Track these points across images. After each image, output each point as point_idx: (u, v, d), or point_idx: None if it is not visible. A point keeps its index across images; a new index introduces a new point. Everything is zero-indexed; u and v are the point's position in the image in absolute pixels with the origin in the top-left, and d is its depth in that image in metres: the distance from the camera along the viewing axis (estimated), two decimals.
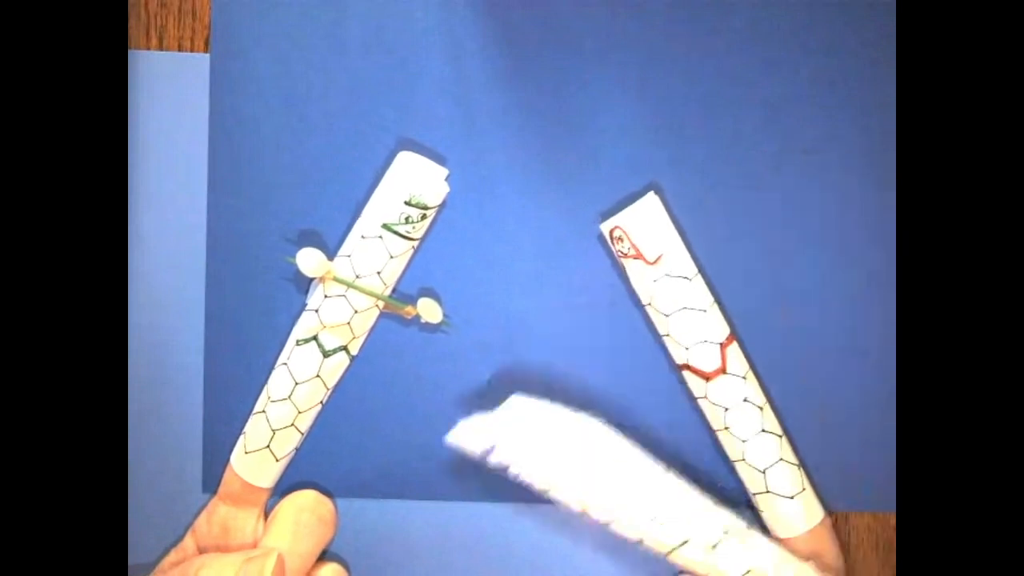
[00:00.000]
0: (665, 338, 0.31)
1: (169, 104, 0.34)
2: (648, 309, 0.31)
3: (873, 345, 0.34)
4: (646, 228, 0.30)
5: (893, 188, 0.34)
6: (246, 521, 0.31)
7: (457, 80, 0.34)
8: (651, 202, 0.30)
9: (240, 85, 0.34)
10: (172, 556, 0.31)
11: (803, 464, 0.31)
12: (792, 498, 0.30)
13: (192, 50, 0.34)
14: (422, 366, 0.34)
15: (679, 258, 0.30)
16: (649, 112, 0.34)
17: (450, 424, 0.34)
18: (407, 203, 0.30)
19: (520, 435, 0.28)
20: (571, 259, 0.34)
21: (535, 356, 0.34)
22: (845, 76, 0.34)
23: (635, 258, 0.30)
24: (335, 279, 0.31)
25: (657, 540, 0.28)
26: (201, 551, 0.31)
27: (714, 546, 0.27)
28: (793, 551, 0.30)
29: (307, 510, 0.31)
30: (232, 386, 0.33)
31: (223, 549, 0.31)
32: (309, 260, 0.30)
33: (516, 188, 0.34)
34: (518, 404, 0.28)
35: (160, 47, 0.34)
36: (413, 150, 0.32)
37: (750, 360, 0.32)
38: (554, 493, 0.27)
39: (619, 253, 0.31)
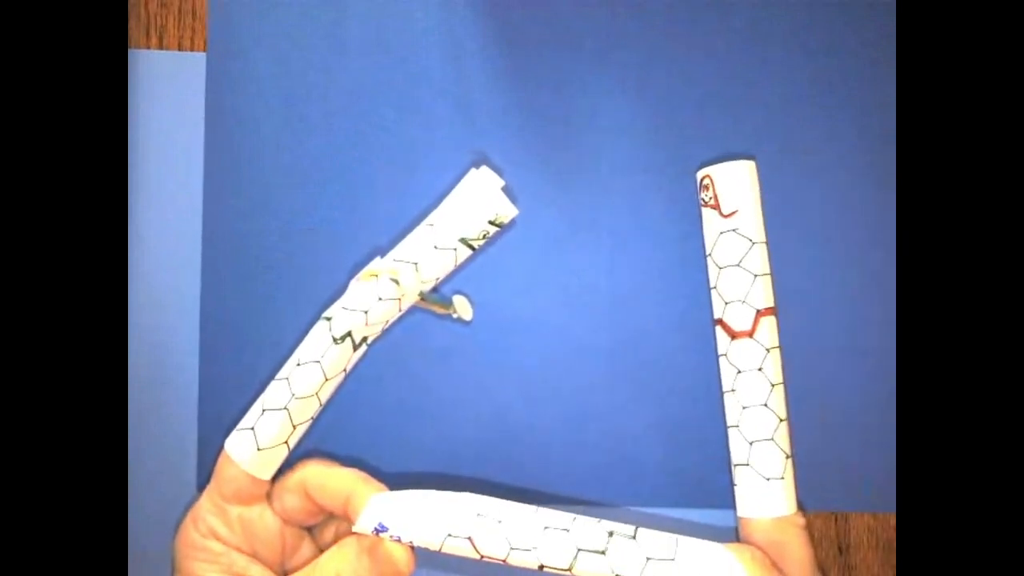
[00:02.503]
0: (712, 290, 0.32)
1: (169, 104, 0.34)
2: (708, 259, 0.32)
3: (873, 345, 0.34)
4: (730, 183, 0.31)
5: (893, 188, 0.34)
6: (263, 513, 0.30)
7: (457, 80, 0.34)
8: (744, 165, 0.31)
9: (239, 85, 0.34)
10: (213, 568, 0.29)
11: (793, 459, 0.31)
12: (768, 480, 0.30)
13: (192, 49, 0.34)
14: (417, 364, 0.34)
15: (750, 221, 0.31)
16: (649, 112, 0.34)
17: (447, 422, 0.34)
18: (491, 222, 0.31)
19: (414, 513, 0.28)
20: (570, 259, 0.34)
21: (533, 355, 0.34)
22: (845, 76, 0.34)
23: (712, 207, 0.31)
24: (424, 298, 0.32)
25: (553, 563, 0.28)
26: (239, 552, 0.30)
27: (603, 551, 0.28)
28: (751, 534, 0.30)
29: (325, 462, 0.31)
30: (228, 387, 0.33)
31: (253, 545, 0.30)
32: (411, 276, 0.31)
33: (515, 188, 0.34)
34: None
35: (160, 47, 0.34)
36: (484, 164, 0.32)
37: (782, 343, 0.32)
38: (447, 548, 0.28)
39: (701, 200, 0.32)
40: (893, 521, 0.34)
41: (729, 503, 0.33)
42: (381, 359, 0.34)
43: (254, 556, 0.30)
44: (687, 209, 0.34)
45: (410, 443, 0.34)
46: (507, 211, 0.32)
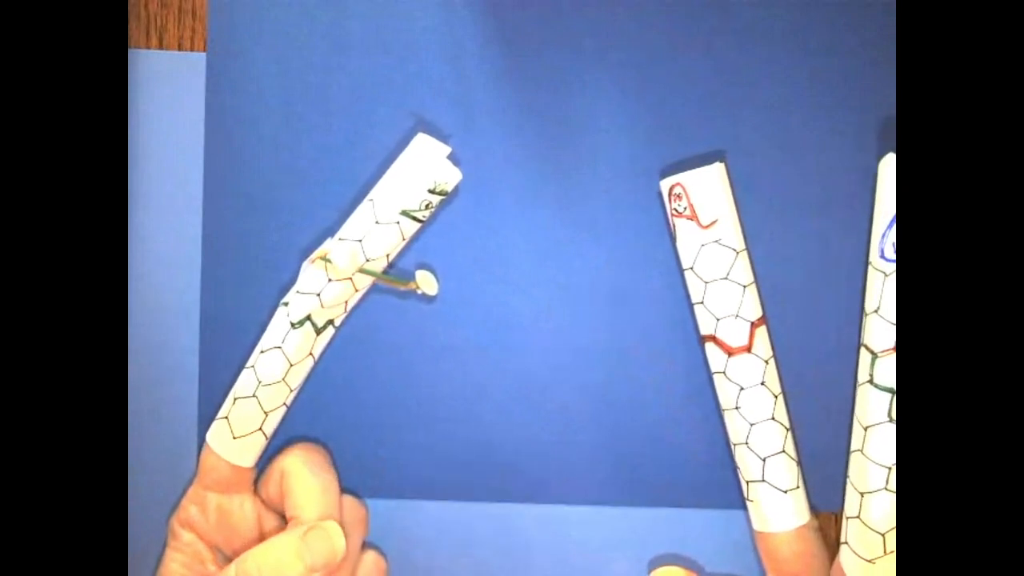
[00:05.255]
0: (697, 306, 0.31)
1: (169, 104, 0.34)
2: (688, 273, 0.31)
3: None
4: (706, 191, 0.30)
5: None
6: (243, 503, 0.31)
7: (457, 80, 0.34)
8: (716, 169, 0.30)
9: (239, 85, 0.34)
10: (178, 557, 0.31)
11: (800, 463, 0.31)
12: (786, 492, 0.30)
13: (192, 49, 0.34)
14: (417, 364, 0.34)
15: (731, 229, 0.30)
16: (649, 112, 0.34)
17: (447, 422, 0.34)
18: (431, 191, 0.30)
19: None
20: (569, 259, 0.34)
21: (532, 355, 0.34)
22: (845, 76, 0.34)
23: (689, 219, 0.30)
24: (363, 271, 0.30)
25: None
26: (208, 544, 0.31)
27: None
28: (777, 548, 0.30)
29: (310, 458, 0.31)
30: (227, 387, 0.33)
31: (229, 536, 0.31)
32: (344, 255, 0.30)
33: (515, 188, 0.34)
34: None
35: (160, 47, 0.34)
36: (422, 130, 0.32)
37: (775, 349, 0.31)
38: None
39: (673, 211, 0.31)
40: None
41: (730, 504, 0.33)
42: (379, 357, 0.34)
43: (227, 549, 0.31)
44: None
45: (408, 442, 0.34)
46: (447, 178, 0.30)
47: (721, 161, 0.31)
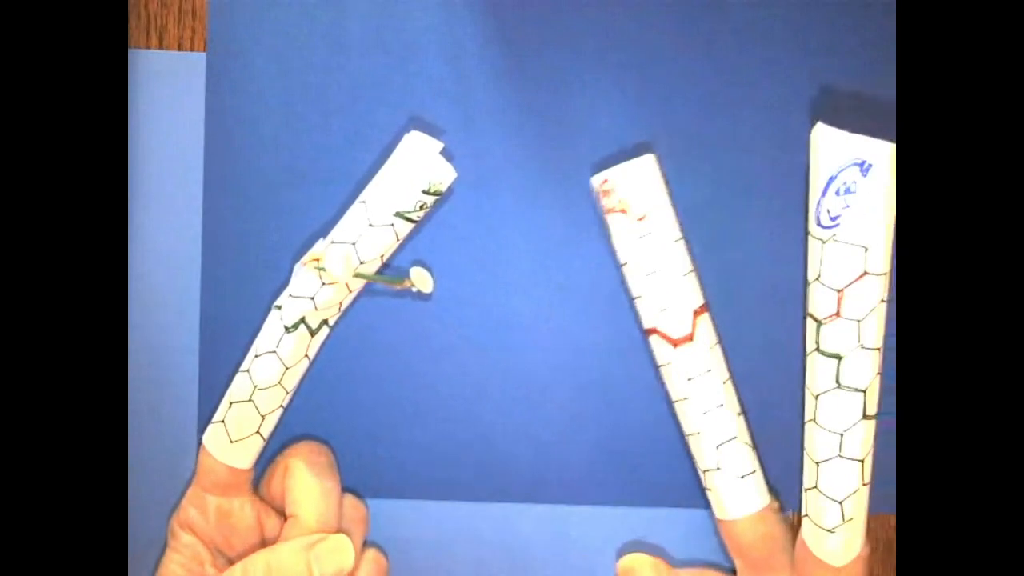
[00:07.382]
0: (637, 300, 0.31)
1: (169, 104, 0.34)
2: (624, 269, 0.31)
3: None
4: (637, 185, 0.30)
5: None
6: (242, 504, 0.31)
7: (457, 80, 0.34)
8: (646, 161, 0.30)
9: (239, 84, 0.34)
10: (177, 558, 0.31)
11: (755, 446, 0.31)
12: (743, 478, 0.30)
13: (192, 49, 0.34)
14: (416, 364, 0.34)
15: (665, 219, 0.30)
16: (649, 112, 0.34)
17: (446, 422, 0.34)
18: (425, 192, 0.30)
19: None
20: (569, 259, 0.34)
21: (532, 355, 0.34)
22: (845, 76, 0.34)
23: (621, 213, 0.30)
24: (358, 275, 0.30)
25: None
26: (208, 545, 0.31)
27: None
28: (741, 534, 0.30)
29: (314, 459, 0.31)
30: (227, 387, 0.33)
31: (229, 537, 0.31)
32: (338, 261, 0.30)
33: (515, 188, 0.34)
34: None
35: (160, 47, 0.34)
36: (414, 127, 0.32)
37: (719, 333, 0.31)
38: None
39: (605, 208, 0.31)
40: (893, 521, 0.34)
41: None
42: (378, 357, 0.34)
43: (228, 550, 0.31)
44: (686, 208, 0.33)
45: (407, 442, 0.34)
46: (442, 177, 0.30)
47: (652, 153, 0.30)
